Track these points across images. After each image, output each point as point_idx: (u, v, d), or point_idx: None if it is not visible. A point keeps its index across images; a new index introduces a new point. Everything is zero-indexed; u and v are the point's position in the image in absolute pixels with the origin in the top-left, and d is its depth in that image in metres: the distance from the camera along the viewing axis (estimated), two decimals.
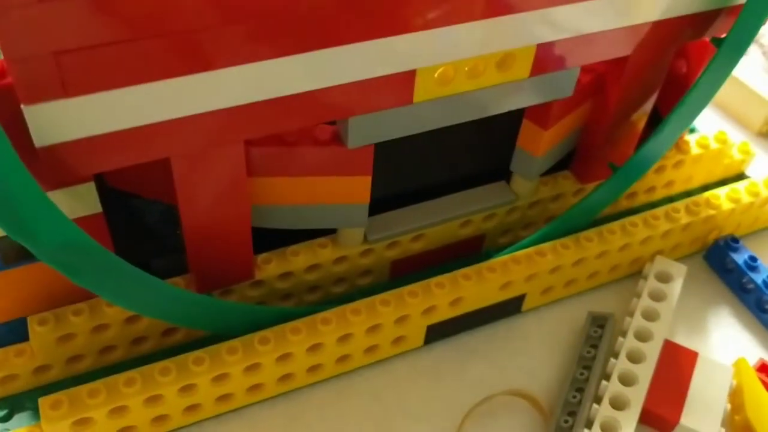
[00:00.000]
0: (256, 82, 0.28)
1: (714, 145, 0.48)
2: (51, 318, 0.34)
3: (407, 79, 0.32)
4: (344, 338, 0.36)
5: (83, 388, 0.32)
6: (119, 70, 0.26)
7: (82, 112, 0.26)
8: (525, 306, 0.42)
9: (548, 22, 0.33)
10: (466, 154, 0.41)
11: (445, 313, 0.38)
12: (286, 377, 0.36)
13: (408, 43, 0.30)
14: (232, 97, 0.29)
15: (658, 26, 0.36)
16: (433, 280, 0.38)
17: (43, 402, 0.32)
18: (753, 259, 0.44)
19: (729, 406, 0.37)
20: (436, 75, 0.32)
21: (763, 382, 0.38)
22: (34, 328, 0.34)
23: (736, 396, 0.38)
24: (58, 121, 0.26)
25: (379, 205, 0.39)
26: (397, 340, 0.38)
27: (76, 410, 0.32)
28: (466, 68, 0.33)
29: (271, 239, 0.38)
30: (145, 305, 0.31)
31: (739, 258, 0.44)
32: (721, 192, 0.45)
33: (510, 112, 0.37)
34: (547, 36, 0.34)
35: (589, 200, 0.41)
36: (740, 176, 0.51)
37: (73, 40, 0.24)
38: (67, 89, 0.25)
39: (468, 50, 0.32)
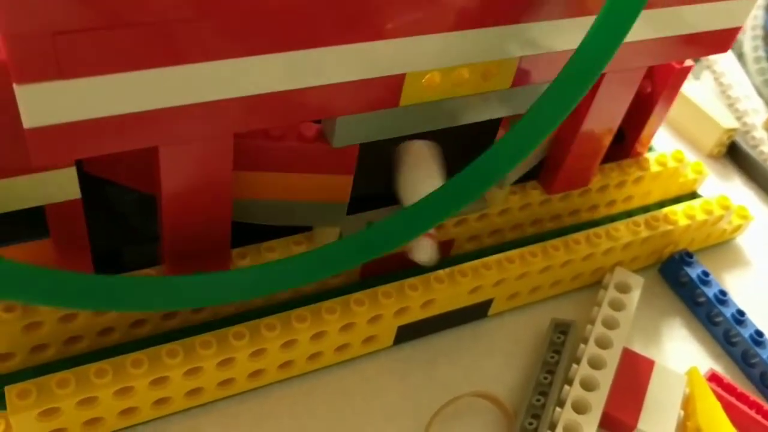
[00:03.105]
0: (248, 76, 0.28)
1: (671, 163, 0.50)
2: None
3: (396, 82, 0.32)
4: (317, 335, 0.36)
5: (52, 378, 0.31)
6: (116, 55, 0.25)
7: (76, 95, 0.26)
8: (491, 310, 0.43)
9: (532, 36, 0.34)
10: (443, 159, 0.42)
11: (416, 315, 0.39)
12: (257, 373, 0.36)
13: (398, 48, 0.31)
14: (223, 90, 0.28)
15: (634, 47, 0.38)
16: (407, 282, 0.38)
17: (10, 390, 0.31)
18: (705, 273, 0.46)
19: (682, 413, 0.39)
20: (423, 80, 0.33)
21: (714, 391, 0.40)
22: None
23: (688, 403, 0.39)
24: (51, 102, 0.25)
25: (355, 204, 0.39)
26: (368, 340, 0.39)
27: (44, 400, 0.31)
28: (453, 75, 0.34)
29: (242, 234, 0.38)
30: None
31: (693, 272, 0.46)
32: (678, 208, 0.47)
33: (487, 121, 0.38)
34: (530, 49, 0.35)
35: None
36: (693, 195, 0.53)
37: (72, 21, 0.24)
38: (62, 71, 0.25)
39: (455, 58, 0.33)
